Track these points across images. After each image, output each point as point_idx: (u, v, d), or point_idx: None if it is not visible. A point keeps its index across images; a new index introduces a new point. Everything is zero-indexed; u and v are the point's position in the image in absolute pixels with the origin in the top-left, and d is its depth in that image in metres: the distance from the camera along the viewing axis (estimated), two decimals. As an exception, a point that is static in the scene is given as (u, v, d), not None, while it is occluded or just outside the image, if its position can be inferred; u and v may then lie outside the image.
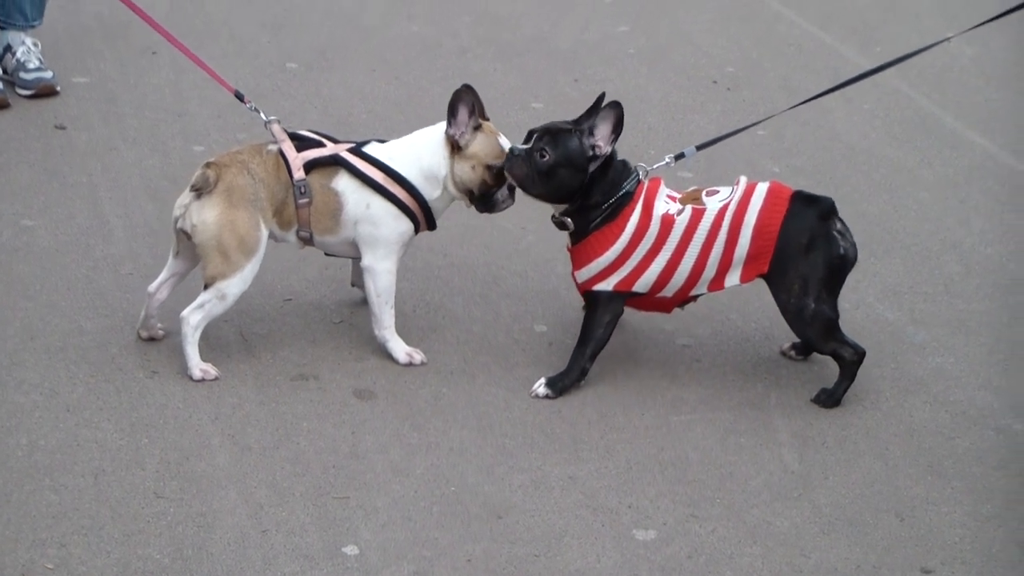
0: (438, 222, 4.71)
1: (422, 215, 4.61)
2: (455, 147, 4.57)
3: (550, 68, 6.96)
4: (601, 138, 4.47)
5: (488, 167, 4.56)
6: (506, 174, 4.53)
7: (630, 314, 4.95)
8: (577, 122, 4.54)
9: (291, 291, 5.05)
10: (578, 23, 7.55)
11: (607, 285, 4.52)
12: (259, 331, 4.82)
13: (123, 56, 6.75)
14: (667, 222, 4.50)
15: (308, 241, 4.64)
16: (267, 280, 5.00)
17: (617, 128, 4.46)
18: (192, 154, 5.86)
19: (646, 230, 4.50)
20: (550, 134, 4.49)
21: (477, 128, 4.57)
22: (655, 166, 4.62)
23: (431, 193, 4.61)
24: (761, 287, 4.67)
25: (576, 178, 4.47)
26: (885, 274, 5.40)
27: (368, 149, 4.62)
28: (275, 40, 7.07)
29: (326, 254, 4.77)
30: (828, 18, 7.78)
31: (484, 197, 4.61)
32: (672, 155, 4.66)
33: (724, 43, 7.40)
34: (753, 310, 5.07)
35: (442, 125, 4.61)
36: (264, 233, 4.52)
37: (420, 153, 4.60)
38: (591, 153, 4.48)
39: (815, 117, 6.58)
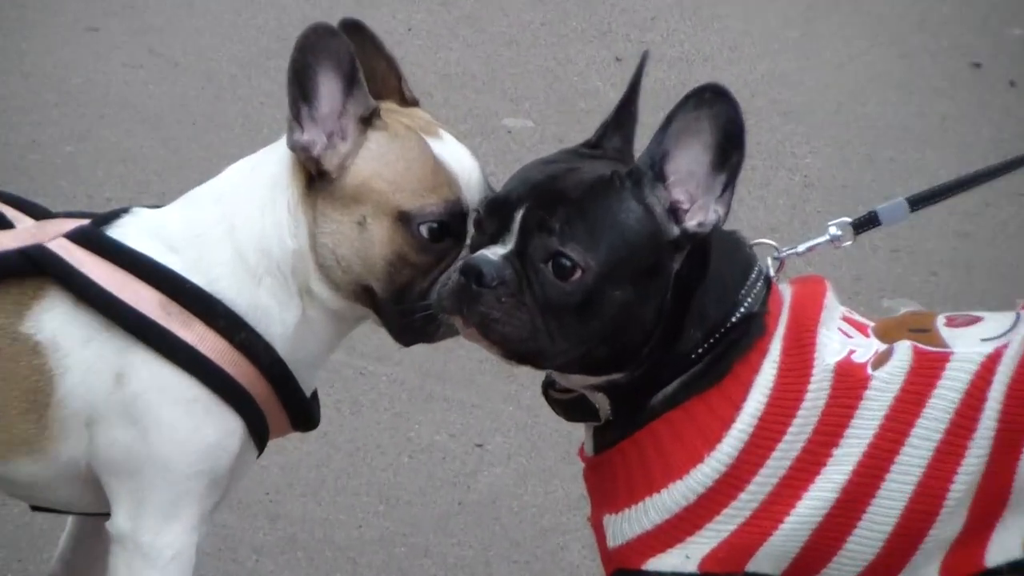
0: (319, 401, 2.65)
1: (267, 386, 2.49)
2: (315, 175, 2.49)
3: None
4: (689, 184, 2.38)
5: (402, 216, 2.45)
6: (467, 334, 2.40)
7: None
8: (597, 149, 2.49)
9: None
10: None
11: (679, 558, 2.38)
12: None
13: None
14: (850, 382, 2.38)
15: None
16: None
17: (728, 150, 2.35)
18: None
19: (796, 404, 2.37)
20: (570, 203, 2.36)
21: (369, 119, 2.48)
22: (801, 248, 2.58)
23: (277, 315, 2.51)
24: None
25: (649, 303, 2.38)
26: None
27: (120, 228, 2.54)
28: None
29: (32, 508, 2.68)
30: None
31: (403, 296, 2.48)
32: (847, 220, 2.63)
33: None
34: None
35: (282, 141, 2.54)
36: None
37: (233, 211, 2.53)
38: (674, 231, 2.39)
39: None
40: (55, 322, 2.46)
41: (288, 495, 3.83)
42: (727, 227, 2.41)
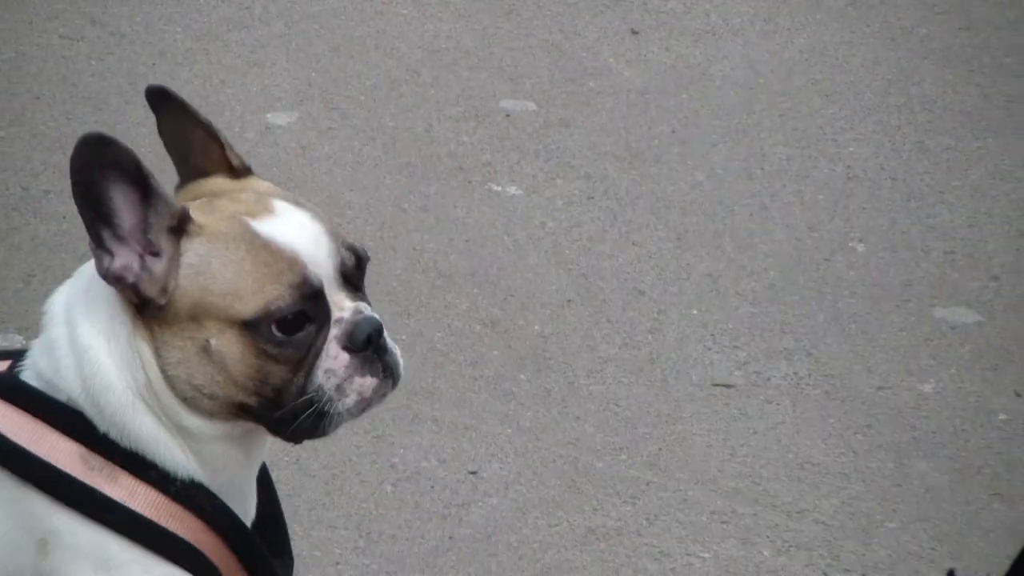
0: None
1: (215, 540, 2.59)
2: (137, 305, 2.54)
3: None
4: None
5: (248, 324, 2.52)
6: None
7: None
8: None
9: None
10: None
11: None
12: None
13: None
14: None
15: None
16: None
17: None
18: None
19: None
20: None
21: (180, 227, 2.54)
22: None
23: (178, 447, 2.57)
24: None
25: None
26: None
27: (30, 361, 2.61)
28: None
29: None
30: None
31: (281, 400, 2.54)
32: None
33: None
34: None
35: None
36: None
37: (78, 338, 2.58)
38: None
39: None
40: None
41: (255, 528, 4.09)
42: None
